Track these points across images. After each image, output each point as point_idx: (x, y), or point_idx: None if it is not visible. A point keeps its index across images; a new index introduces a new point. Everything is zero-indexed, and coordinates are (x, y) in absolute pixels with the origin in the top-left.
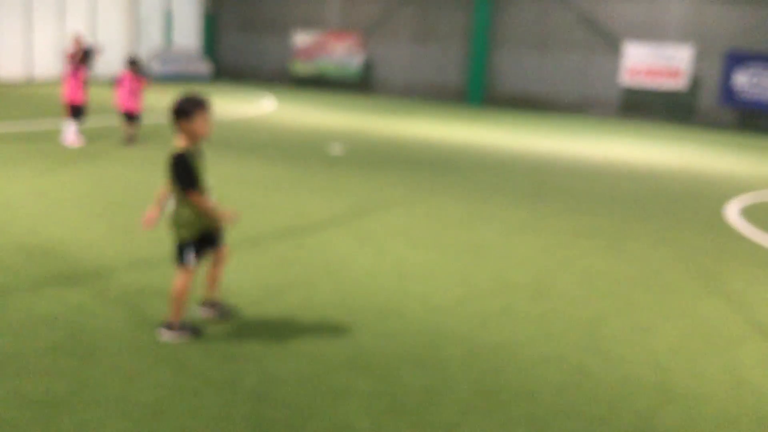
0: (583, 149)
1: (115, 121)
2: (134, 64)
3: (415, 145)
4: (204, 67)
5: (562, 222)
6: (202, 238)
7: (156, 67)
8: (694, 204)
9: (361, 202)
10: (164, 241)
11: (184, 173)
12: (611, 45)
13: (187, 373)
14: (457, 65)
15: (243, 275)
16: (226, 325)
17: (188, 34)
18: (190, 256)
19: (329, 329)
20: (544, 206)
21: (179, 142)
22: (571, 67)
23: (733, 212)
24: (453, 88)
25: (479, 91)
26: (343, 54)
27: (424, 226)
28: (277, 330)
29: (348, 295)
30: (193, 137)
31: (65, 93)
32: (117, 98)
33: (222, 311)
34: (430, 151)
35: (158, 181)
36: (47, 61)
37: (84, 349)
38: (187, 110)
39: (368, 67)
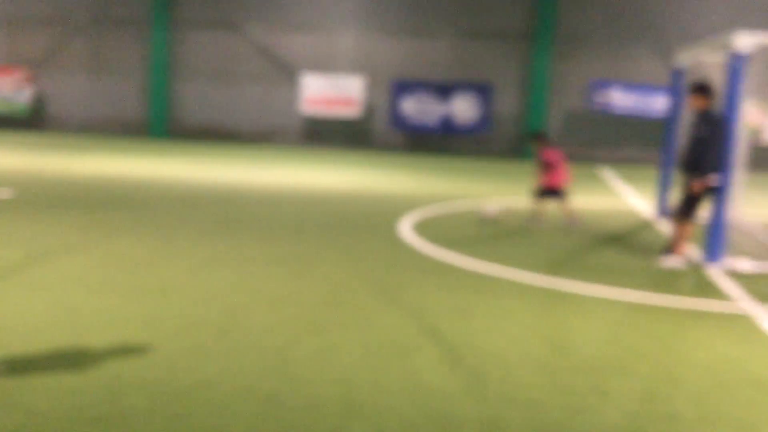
0: (270, 178)
1: None
2: None
3: (94, 183)
4: None
5: (251, 252)
6: None
7: None
8: (372, 223)
9: (31, 250)
10: None
11: None
12: (289, 76)
13: None
14: (137, 98)
15: None
16: None
17: None
18: None
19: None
20: (232, 238)
21: None
22: (253, 98)
23: (405, 227)
24: (134, 121)
25: (162, 124)
26: (8, 89)
27: (102, 270)
28: None
29: (16, 355)
30: None
31: None
32: None
33: None
34: (110, 189)
35: None
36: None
37: None
38: None
39: (39, 103)
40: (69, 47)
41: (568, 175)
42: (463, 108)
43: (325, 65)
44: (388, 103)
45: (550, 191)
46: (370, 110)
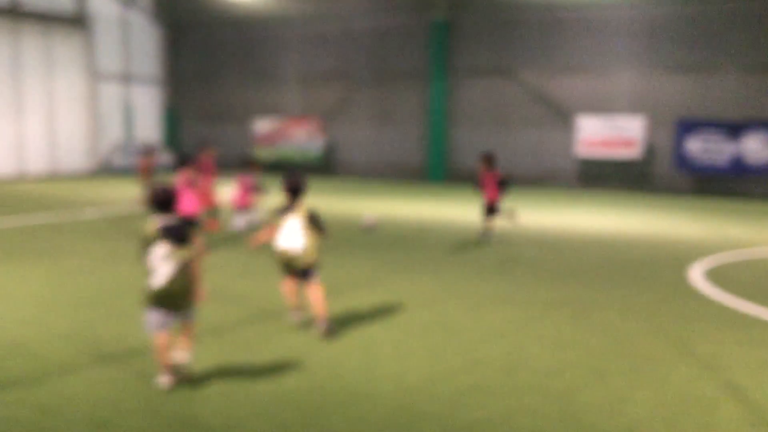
0: (545, 220)
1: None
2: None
3: (379, 224)
4: (165, 158)
5: (530, 293)
6: None
7: (117, 160)
8: (657, 269)
9: (324, 284)
10: (130, 335)
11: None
12: (564, 119)
13: None
14: (417, 144)
15: (209, 360)
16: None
17: (149, 126)
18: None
19: (297, 415)
20: (509, 278)
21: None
22: (528, 142)
23: (696, 275)
24: (414, 166)
25: (440, 169)
26: (303, 138)
27: (390, 305)
28: (243, 423)
29: (316, 379)
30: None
31: None
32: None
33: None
34: (394, 230)
35: (125, 272)
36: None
37: None
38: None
39: (329, 150)
40: (355, 99)
41: None
42: (756, 147)
43: (601, 106)
44: (671, 143)
45: None
46: (651, 151)
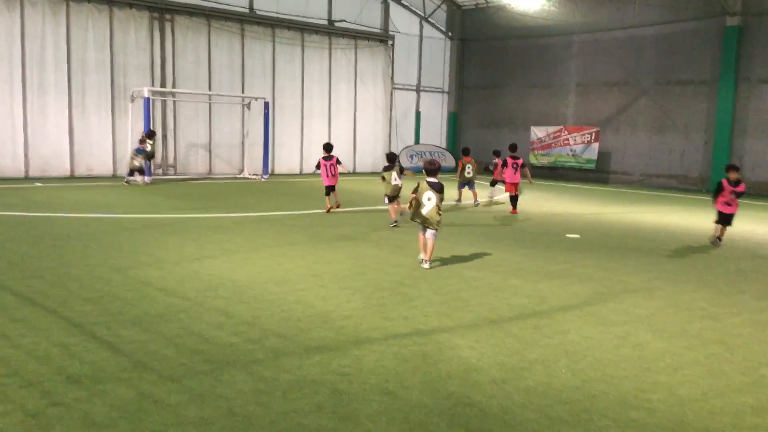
0: None
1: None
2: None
3: (654, 232)
4: (448, 161)
5: None
6: None
7: (406, 162)
8: None
9: (599, 287)
10: (417, 319)
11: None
12: None
13: None
14: (699, 154)
15: (482, 355)
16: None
17: (433, 132)
18: None
19: (567, 414)
20: None
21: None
22: None
23: None
24: (694, 177)
25: None
26: (579, 145)
27: (666, 314)
28: (515, 411)
29: (587, 380)
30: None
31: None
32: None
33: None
34: (670, 239)
35: (408, 262)
36: (316, 157)
37: (344, 411)
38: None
39: (604, 158)
40: (634, 107)
41: None
42: None
43: None
44: None
45: None
46: None
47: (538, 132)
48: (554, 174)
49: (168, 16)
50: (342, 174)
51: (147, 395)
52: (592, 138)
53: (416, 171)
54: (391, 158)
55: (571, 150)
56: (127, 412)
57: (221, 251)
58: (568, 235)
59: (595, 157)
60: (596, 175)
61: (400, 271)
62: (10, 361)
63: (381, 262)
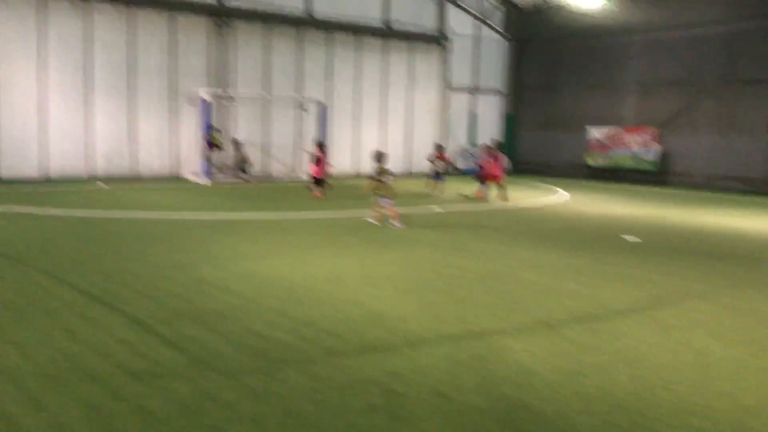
0: None
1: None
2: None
3: (716, 236)
4: (505, 161)
5: None
6: None
7: (460, 163)
8: None
9: (658, 291)
10: (470, 321)
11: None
12: None
13: None
14: (765, 156)
15: (537, 358)
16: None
17: (490, 132)
18: None
19: (626, 420)
20: None
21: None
22: None
23: None
24: (759, 178)
25: None
26: (638, 146)
27: (729, 320)
28: (571, 416)
29: (647, 387)
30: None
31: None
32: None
33: None
34: (733, 243)
35: (462, 263)
36: (369, 160)
37: (397, 411)
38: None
39: (665, 159)
40: (697, 107)
41: None
42: None
43: None
44: None
45: None
46: None
47: (596, 133)
48: (613, 176)
49: (227, 21)
50: (395, 175)
51: (205, 391)
52: (653, 139)
53: (468, 173)
54: (379, 157)
55: (631, 152)
56: (185, 407)
57: (276, 251)
58: (627, 238)
59: (655, 158)
60: (656, 177)
61: (453, 273)
62: (73, 355)
63: (434, 263)
